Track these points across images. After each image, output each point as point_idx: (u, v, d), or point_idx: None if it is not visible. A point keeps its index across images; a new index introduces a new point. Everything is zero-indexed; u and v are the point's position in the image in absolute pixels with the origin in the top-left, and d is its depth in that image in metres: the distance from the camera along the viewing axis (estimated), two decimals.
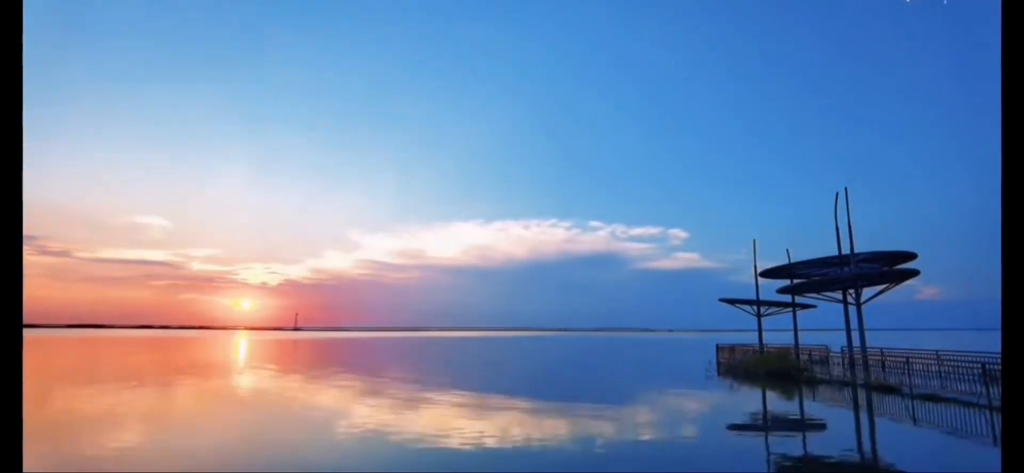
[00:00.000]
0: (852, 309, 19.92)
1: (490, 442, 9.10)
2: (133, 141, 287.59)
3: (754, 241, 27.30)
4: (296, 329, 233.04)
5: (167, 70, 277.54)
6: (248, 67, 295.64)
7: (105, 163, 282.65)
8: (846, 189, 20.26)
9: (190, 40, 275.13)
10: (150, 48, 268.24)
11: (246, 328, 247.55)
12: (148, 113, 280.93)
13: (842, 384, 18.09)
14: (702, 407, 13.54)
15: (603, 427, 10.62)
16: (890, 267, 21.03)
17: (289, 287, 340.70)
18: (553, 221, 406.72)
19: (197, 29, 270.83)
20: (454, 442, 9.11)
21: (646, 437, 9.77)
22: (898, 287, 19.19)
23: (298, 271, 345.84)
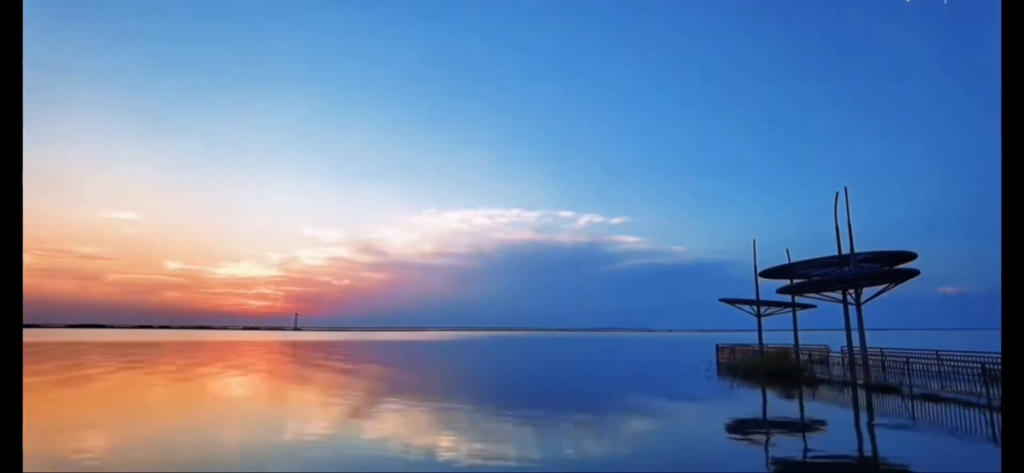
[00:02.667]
0: (852, 309, 19.92)
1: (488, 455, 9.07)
2: (110, 137, 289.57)
3: (754, 241, 27.33)
4: (296, 329, 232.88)
5: (135, 68, 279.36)
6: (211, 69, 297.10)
7: (85, 160, 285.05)
8: (846, 189, 20.27)
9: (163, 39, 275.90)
10: (130, 46, 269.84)
11: (247, 328, 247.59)
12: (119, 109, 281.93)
13: (842, 384, 18.10)
14: (703, 405, 13.54)
15: (618, 428, 10.63)
16: (890, 267, 21.02)
17: (271, 285, 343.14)
18: (518, 210, 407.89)
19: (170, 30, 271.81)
20: None
21: (654, 430, 9.80)
22: (899, 287, 19.20)
23: (267, 270, 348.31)
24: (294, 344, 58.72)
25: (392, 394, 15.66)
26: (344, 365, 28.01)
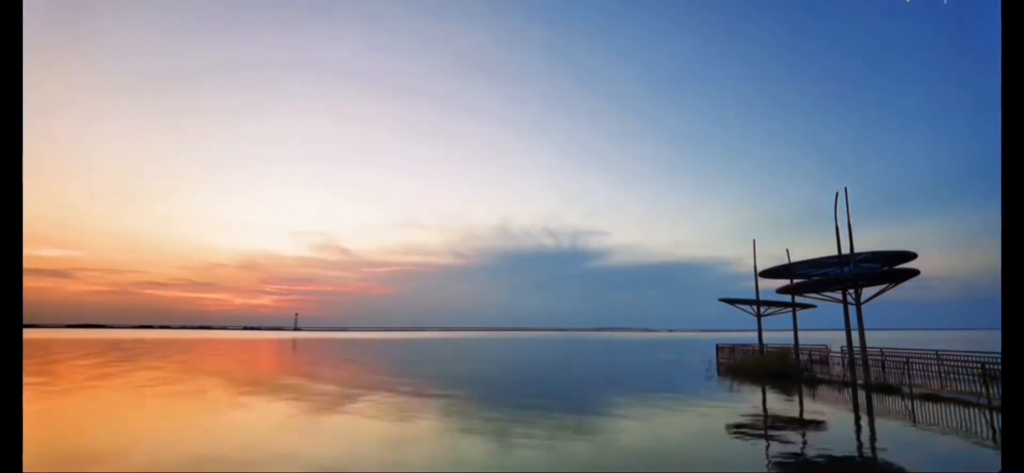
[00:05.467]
0: (852, 309, 19.93)
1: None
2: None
3: (754, 241, 27.32)
4: (296, 329, 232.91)
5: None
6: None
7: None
8: (846, 189, 20.26)
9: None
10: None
11: (247, 328, 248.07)
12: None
13: (842, 384, 18.10)
14: (704, 405, 13.53)
15: (635, 427, 10.63)
16: (890, 267, 21.03)
17: (249, 284, 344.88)
18: (515, 211, 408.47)
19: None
20: None
21: (656, 428, 9.81)
22: (899, 286, 19.21)
23: (234, 270, 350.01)
24: (295, 344, 58.70)
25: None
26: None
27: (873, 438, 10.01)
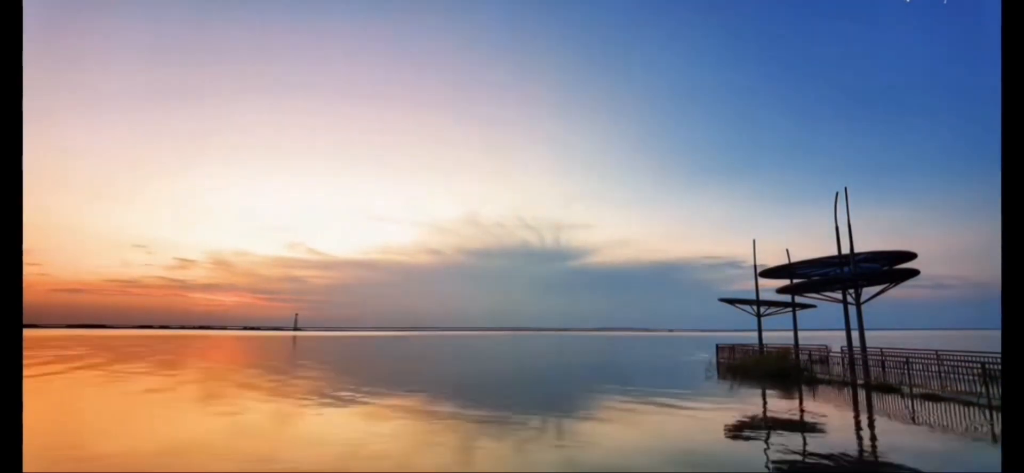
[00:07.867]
0: (852, 309, 19.94)
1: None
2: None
3: (753, 241, 27.35)
4: (296, 329, 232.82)
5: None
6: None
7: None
8: (846, 189, 20.29)
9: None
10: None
11: (246, 328, 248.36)
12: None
13: (842, 384, 18.09)
14: (704, 405, 13.53)
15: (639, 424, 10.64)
16: (890, 267, 21.04)
17: (238, 283, 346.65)
18: (513, 211, 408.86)
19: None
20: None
21: (653, 429, 9.80)
22: (898, 286, 19.23)
23: (220, 270, 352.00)
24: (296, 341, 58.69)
25: None
26: None
27: (873, 438, 10.00)
